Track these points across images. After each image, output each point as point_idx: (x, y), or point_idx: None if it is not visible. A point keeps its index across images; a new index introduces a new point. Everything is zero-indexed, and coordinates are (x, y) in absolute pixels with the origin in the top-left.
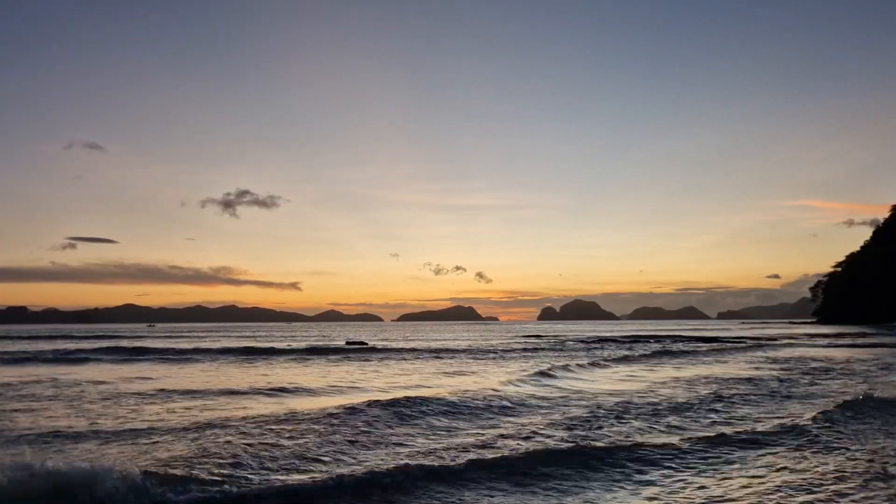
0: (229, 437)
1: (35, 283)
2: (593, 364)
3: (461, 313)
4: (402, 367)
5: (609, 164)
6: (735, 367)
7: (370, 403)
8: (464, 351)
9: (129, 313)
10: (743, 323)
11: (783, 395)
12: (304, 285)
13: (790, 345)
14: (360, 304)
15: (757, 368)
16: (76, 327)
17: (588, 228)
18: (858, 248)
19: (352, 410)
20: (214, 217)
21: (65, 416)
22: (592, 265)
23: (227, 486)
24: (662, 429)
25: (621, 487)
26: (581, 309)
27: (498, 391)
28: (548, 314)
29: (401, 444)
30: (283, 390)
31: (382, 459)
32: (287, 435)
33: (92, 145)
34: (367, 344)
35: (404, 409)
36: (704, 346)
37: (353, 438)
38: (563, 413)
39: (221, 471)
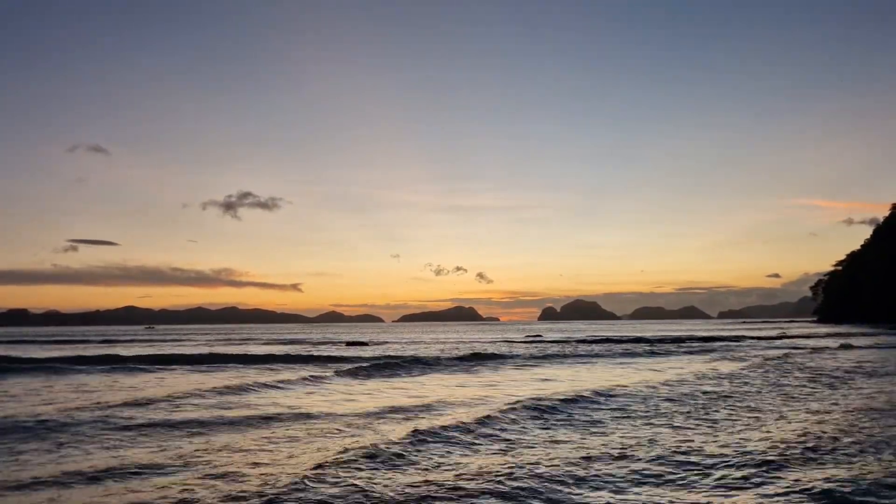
0: None
1: (37, 286)
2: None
3: (462, 314)
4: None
5: (610, 164)
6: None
7: None
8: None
9: (131, 315)
10: (744, 322)
11: None
12: (306, 286)
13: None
14: (361, 304)
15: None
16: (70, 329)
17: (589, 228)
18: (859, 247)
19: None
20: (216, 219)
21: None
22: (593, 265)
23: None
24: None
25: None
26: (582, 309)
27: None
28: (548, 314)
29: None
30: None
31: None
32: None
33: (96, 148)
34: (367, 344)
35: None
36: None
37: None
38: None
39: None
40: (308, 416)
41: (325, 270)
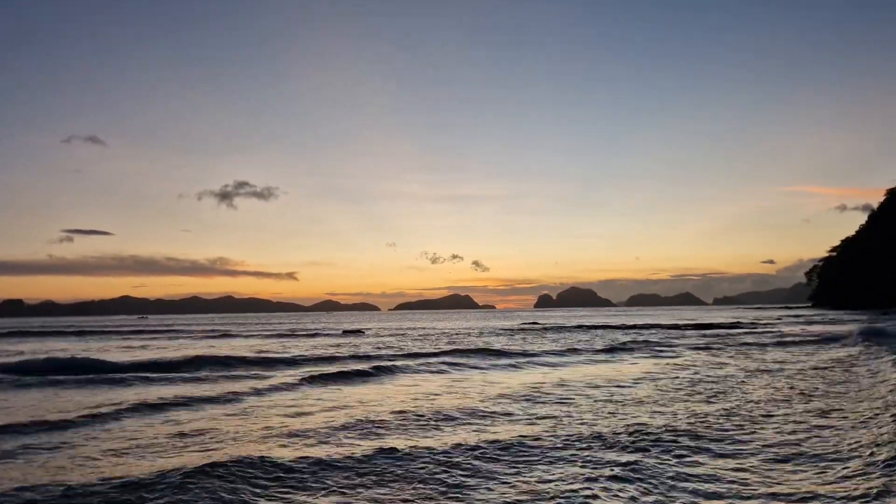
0: None
1: (32, 277)
2: None
3: (458, 302)
4: None
5: (605, 153)
6: None
7: None
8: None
9: (126, 305)
10: (736, 308)
11: None
12: (302, 276)
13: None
14: (357, 293)
15: None
16: (63, 320)
17: (584, 217)
18: (853, 233)
19: None
20: (211, 209)
21: None
22: (589, 253)
23: None
24: None
25: None
26: (578, 296)
27: None
28: (544, 302)
29: None
30: None
31: None
32: None
33: (92, 139)
34: (363, 333)
35: None
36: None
37: None
38: None
39: None
40: None
41: (320, 259)
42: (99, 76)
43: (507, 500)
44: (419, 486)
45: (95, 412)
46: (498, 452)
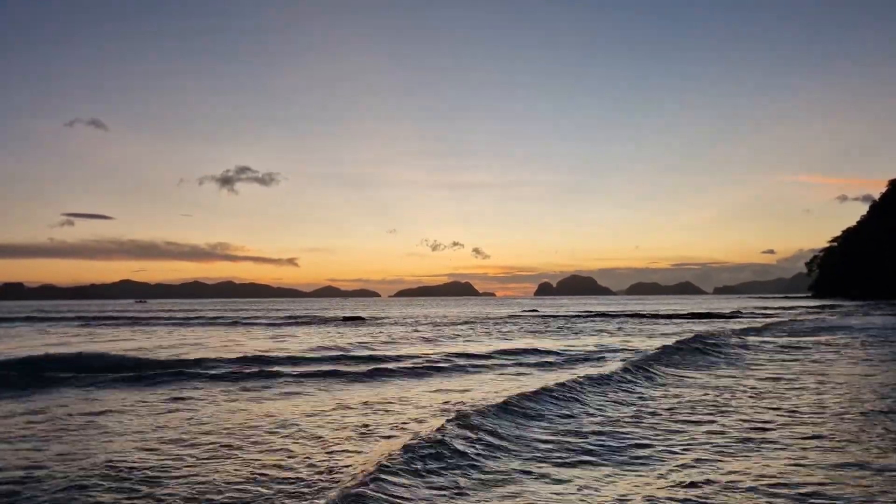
0: None
1: (32, 260)
2: None
3: (458, 289)
4: None
5: (606, 141)
6: None
7: None
8: None
9: (126, 289)
10: (739, 298)
11: None
12: (302, 262)
13: None
14: (357, 279)
15: None
16: (66, 303)
17: (584, 205)
18: (854, 224)
19: None
20: (212, 194)
21: None
22: (589, 241)
23: None
24: None
25: None
26: (578, 284)
27: None
28: (544, 290)
29: None
30: None
31: None
32: None
33: (94, 122)
34: (364, 319)
35: None
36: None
37: None
38: None
39: None
40: None
41: (321, 245)
42: (102, 61)
43: None
44: None
45: None
46: None
